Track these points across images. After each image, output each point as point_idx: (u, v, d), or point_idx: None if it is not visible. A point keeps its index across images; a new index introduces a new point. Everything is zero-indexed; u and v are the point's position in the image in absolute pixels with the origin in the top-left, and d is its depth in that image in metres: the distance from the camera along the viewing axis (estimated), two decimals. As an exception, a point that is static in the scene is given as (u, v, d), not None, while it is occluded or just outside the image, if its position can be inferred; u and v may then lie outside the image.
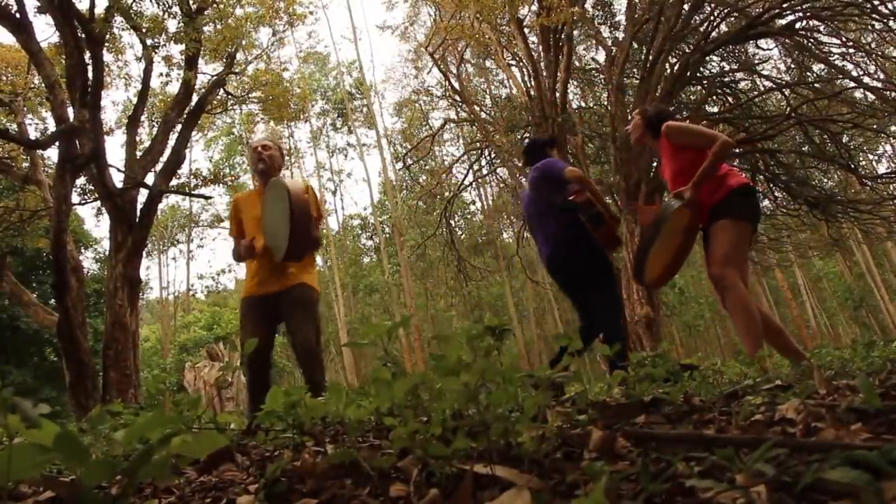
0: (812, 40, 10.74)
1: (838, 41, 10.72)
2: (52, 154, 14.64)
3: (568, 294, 3.56)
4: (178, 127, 9.68)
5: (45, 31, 56.43)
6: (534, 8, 10.33)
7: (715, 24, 10.61)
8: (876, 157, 17.42)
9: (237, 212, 3.39)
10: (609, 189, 10.70)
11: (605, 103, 12.25)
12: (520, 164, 12.25)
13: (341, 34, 64.13)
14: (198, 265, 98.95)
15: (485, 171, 15.60)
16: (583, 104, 14.40)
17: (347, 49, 67.87)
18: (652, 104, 3.75)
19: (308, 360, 2.99)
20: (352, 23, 52.37)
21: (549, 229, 3.41)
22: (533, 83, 11.23)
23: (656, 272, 2.88)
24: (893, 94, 10.19)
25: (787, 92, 11.53)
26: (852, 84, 10.95)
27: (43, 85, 8.78)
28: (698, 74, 10.99)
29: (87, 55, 7.38)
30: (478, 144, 14.45)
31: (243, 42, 9.97)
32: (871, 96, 11.37)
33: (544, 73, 10.89)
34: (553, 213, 3.40)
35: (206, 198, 19.65)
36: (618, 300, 3.49)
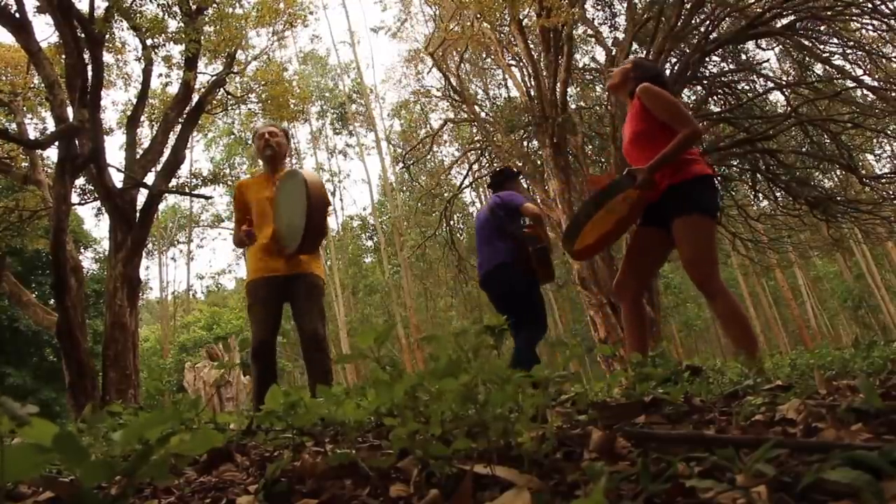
0: (812, 40, 10.74)
1: (838, 41, 10.72)
2: (51, 154, 14.65)
3: (497, 309, 3.88)
4: (178, 127, 9.68)
5: (45, 31, 56.46)
6: (535, 9, 10.32)
7: (715, 24, 10.60)
8: (876, 157, 17.41)
9: (242, 196, 3.39)
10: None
11: (605, 103, 12.25)
12: (519, 164, 12.25)
13: (340, 39, 64.08)
14: (198, 265, 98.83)
15: (484, 172, 15.60)
16: (583, 104, 14.39)
17: (347, 51, 67.87)
18: (650, 60, 3.51)
19: (315, 347, 3.08)
20: (349, 26, 52.45)
21: (493, 252, 3.83)
22: (533, 83, 11.23)
23: (588, 241, 2.71)
24: (894, 94, 10.19)
25: (787, 92, 11.53)
26: (852, 84, 10.96)
27: (43, 85, 8.78)
28: (698, 74, 10.99)
29: (87, 55, 7.38)
30: (477, 145, 14.44)
31: (243, 42, 9.97)
32: (871, 96, 11.37)
33: (544, 74, 10.89)
34: (501, 240, 3.81)
35: (207, 198, 19.67)
36: (537, 334, 3.75)
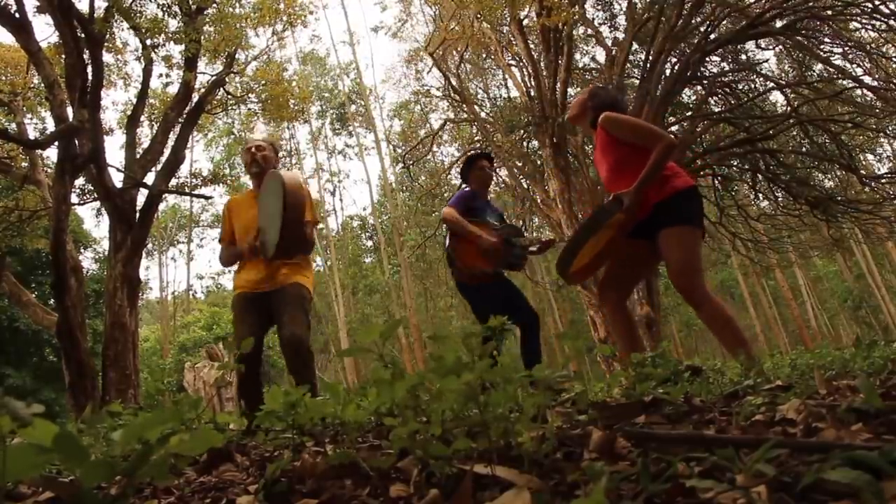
0: (812, 40, 10.74)
1: (839, 41, 10.72)
2: (51, 154, 14.64)
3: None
4: (178, 127, 9.68)
5: (45, 31, 56.48)
6: (535, 8, 10.32)
7: (715, 24, 10.60)
8: (876, 157, 17.41)
9: (230, 216, 3.33)
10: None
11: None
12: (519, 164, 12.26)
13: (340, 40, 63.96)
14: (198, 265, 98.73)
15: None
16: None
17: (346, 51, 67.90)
18: (605, 87, 3.50)
19: (296, 355, 2.87)
20: (348, 26, 52.41)
21: None
22: (533, 83, 11.23)
23: (580, 264, 2.72)
24: (894, 94, 10.18)
25: (787, 92, 11.53)
26: (852, 84, 10.96)
27: (42, 85, 8.78)
28: (698, 74, 10.99)
29: (87, 55, 7.38)
30: (477, 145, 14.43)
31: (243, 42, 9.97)
32: (871, 96, 11.37)
33: (544, 74, 10.89)
34: None
35: (206, 198, 19.61)
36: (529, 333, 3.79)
